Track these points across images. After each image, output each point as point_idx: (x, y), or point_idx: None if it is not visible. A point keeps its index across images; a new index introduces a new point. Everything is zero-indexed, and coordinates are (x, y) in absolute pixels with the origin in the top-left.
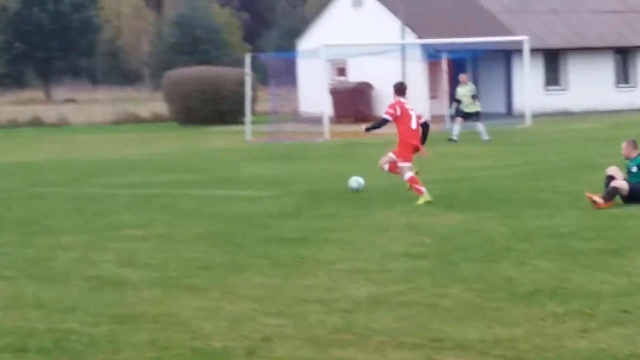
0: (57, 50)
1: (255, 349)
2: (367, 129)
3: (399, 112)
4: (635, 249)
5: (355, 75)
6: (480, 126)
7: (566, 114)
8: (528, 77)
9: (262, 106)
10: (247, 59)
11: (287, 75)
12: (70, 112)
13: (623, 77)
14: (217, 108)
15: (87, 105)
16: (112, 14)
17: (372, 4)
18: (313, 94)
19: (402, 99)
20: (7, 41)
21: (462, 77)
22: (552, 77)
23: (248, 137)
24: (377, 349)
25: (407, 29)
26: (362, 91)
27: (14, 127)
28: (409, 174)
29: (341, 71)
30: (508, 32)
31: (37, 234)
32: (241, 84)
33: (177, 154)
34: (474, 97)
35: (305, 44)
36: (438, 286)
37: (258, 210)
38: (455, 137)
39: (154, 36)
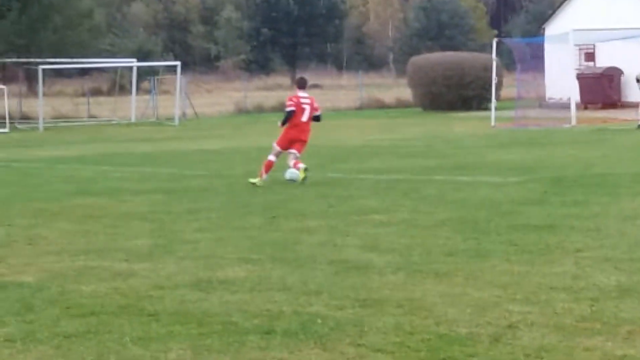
0: (304, 36)
1: (501, 336)
2: (282, 123)
3: (294, 106)
4: None
5: (603, 60)
6: None
7: None
8: None
9: (507, 92)
10: (493, 44)
11: (534, 61)
12: (315, 98)
13: None
14: (461, 93)
15: (332, 90)
16: (358, 0)
17: None
18: (560, 79)
19: (300, 93)
20: (254, 27)
21: None
22: None
23: (493, 122)
24: (626, 339)
25: None
26: (611, 76)
27: (260, 113)
28: (271, 157)
29: (589, 56)
30: None
31: (283, 217)
32: (486, 69)
33: (421, 139)
34: None
35: (553, 28)
36: None
37: (502, 197)
38: None
39: (400, 22)
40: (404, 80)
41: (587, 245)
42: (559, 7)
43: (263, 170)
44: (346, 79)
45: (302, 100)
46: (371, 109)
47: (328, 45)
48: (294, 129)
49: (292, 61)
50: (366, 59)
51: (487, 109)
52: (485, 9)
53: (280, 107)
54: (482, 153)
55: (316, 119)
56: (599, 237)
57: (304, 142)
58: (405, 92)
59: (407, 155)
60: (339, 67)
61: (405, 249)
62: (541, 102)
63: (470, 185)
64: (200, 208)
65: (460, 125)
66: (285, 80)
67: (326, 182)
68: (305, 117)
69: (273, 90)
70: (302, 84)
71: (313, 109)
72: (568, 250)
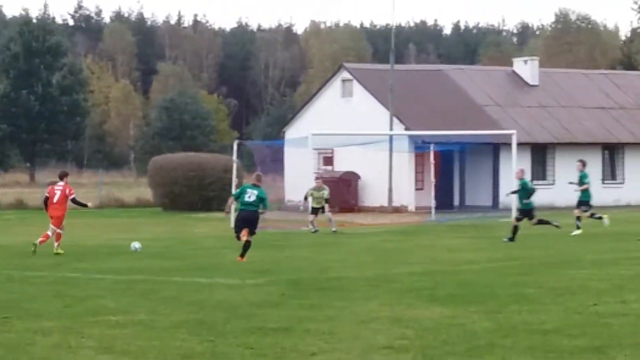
0: (44, 132)
1: None
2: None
3: (48, 193)
4: (617, 347)
5: (342, 164)
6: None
7: (552, 209)
8: (515, 171)
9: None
10: (234, 146)
11: (274, 163)
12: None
13: (610, 173)
14: (202, 194)
15: (72, 188)
16: (100, 98)
17: (362, 94)
18: (299, 182)
19: (59, 182)
20: None
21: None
22: (539, 171)
23: (233, 224)
24: None
25: (396, 120)
26: (349, 181)
27: None
28: (52, 232)
29: (328, 160)
30: (496, 126)
31: (17, 318)
32: (227, 170)
33: (160, 240)
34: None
35: (293, 132)
36: None
37: (240, 299)
38: None
39: (141, 121)
40: (145, 180)
41: (321, 349)
42: (299, 111)
43: (42, 240)
44: (86, 177)
45: (55, 188)
46: (111, 207)
47: (69, 142)
48: (50, 210)
49: (31, 158)
50: (107, 157)
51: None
52: (227, 111)
53: (18, 205)
54: (221, 254)
55: (74, 201)
56: (333, 340)
57: (55, 217)
58: (145, 192)
59: (147, 256)
60: (80, 164)
61: (141, 351)
62: (280, 205)
63: (208, 287)
64: None
65: (200, 225)
66: (24, 177)
67: (63, 281)
68: (55, 199)
69: (11, 187)
70: (61, 176)
71: (64, 194)
72: (303, 354)
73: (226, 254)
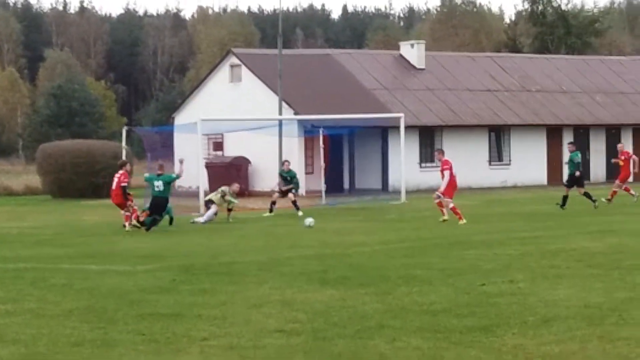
0: None
1: None
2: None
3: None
4: (504, 326)
5: (232, 149)
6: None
7: None
8: (403, 153)
9: (138, 180)
10: (124, 132)
11: (164, 149)
12: None
13: (497, 154)
14: (91, 181)
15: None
16: None
17: (250, 79)
18: (189, 168)
19: (119, 171)
20: None
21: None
22: (427, 154)
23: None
24: None
25: (285, 105)
26: (239, 166)
27: None
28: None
29: (218, 145)
30: (385, 109)
31: None
32: (117, 157)
33: (49, 227)
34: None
35: (183, 118)
36: None
37: (131, 285)
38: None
39: (29, 108)
40: (33, 168)
41: (213, 334)
42: (187, 97)
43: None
44: None
45: (115, 176)
46: None
47: None
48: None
49: None
50: None
51: None
52: (114, 97)
53: None
54: (111, 241)
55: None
56: (224, 325)
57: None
58: (34, 180)
59: (35, 244)
60: None
61: (31, 340)
62: (171, 191)
63: (99, 274)
64: None
65: (90, 213)
66: None
67: None
68: (114, 186)
69: None
70: (120, 165)
71: (119, 181)
72: (194, 339)
73: (117, 241)
